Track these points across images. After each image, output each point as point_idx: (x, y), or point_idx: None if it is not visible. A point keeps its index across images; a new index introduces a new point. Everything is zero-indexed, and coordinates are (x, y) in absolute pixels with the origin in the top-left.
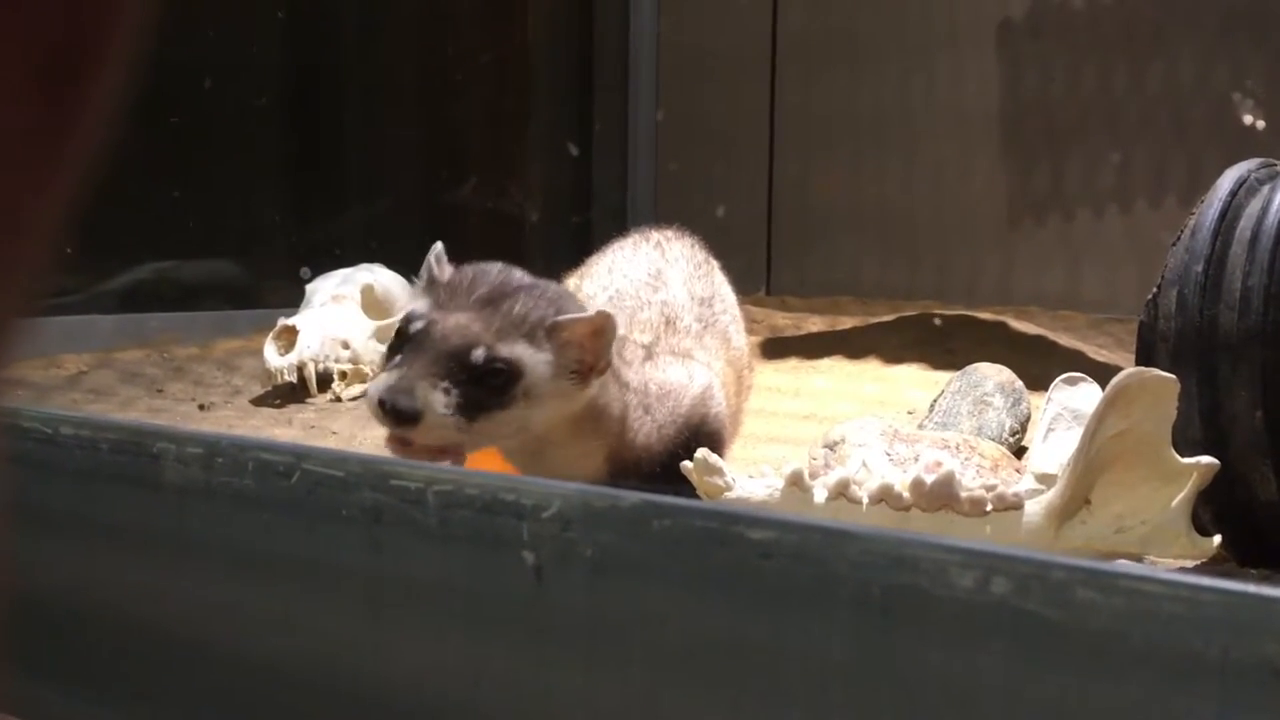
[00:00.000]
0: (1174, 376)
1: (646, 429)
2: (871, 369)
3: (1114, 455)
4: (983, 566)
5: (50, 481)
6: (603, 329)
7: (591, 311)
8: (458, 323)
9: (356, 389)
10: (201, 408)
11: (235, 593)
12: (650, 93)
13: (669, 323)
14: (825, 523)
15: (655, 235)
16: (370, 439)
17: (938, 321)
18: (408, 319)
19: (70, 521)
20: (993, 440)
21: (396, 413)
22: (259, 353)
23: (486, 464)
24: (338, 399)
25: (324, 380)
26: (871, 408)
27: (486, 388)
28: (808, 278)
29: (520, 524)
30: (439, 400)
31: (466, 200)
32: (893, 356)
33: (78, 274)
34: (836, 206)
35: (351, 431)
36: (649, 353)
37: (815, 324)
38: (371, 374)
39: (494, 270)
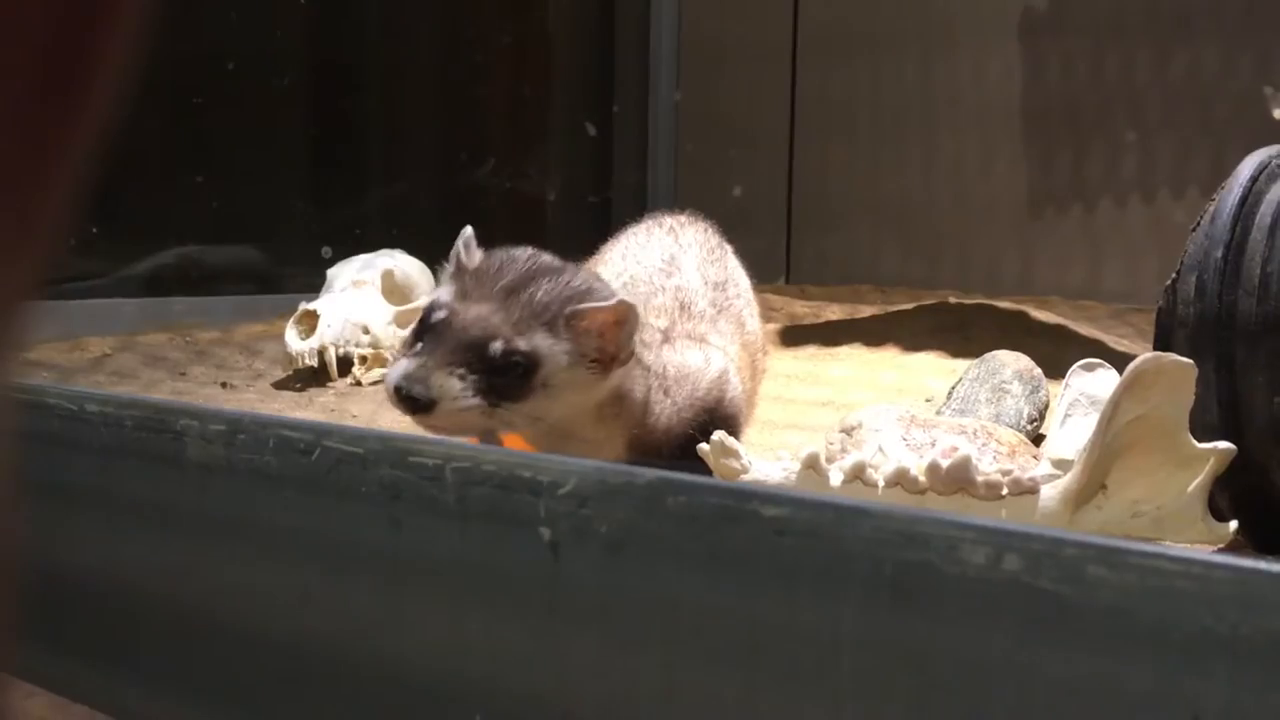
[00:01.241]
0: (1191, 362)
1: (668, 412)
2: (890, 356)
3: (1131, 440)
4: (994, 543)
5: (76, 458)
6: (624, 318)
7: (613, 300)
8: (478, 313)
9: (376, 373)
10: (224, 385)
11: (255, 570)
12: (670, 78)
13: (683, 307)
14: (838, 499)
15: (668, 220)
16: (389, 422)
17: (952, 300)
18: (431, 307)
19: (94, 497)
20: (1011, 428)
21: (411, 400)
22: (280, 337)
23: (508, 443)
24: (358, 383)
25: (344, 364)
26: (889, 395)
27: (505, 378)
28: (827, 267)
29: (536, 501)
30: (454, 388)
31: (486, 183)
32: (911, 344)
33: (102, 258)
34: (857, 195)
35: (371, 415)
36: (666, 336)
37: (834, 313)
38: (391, 359)
39: (520, 257)
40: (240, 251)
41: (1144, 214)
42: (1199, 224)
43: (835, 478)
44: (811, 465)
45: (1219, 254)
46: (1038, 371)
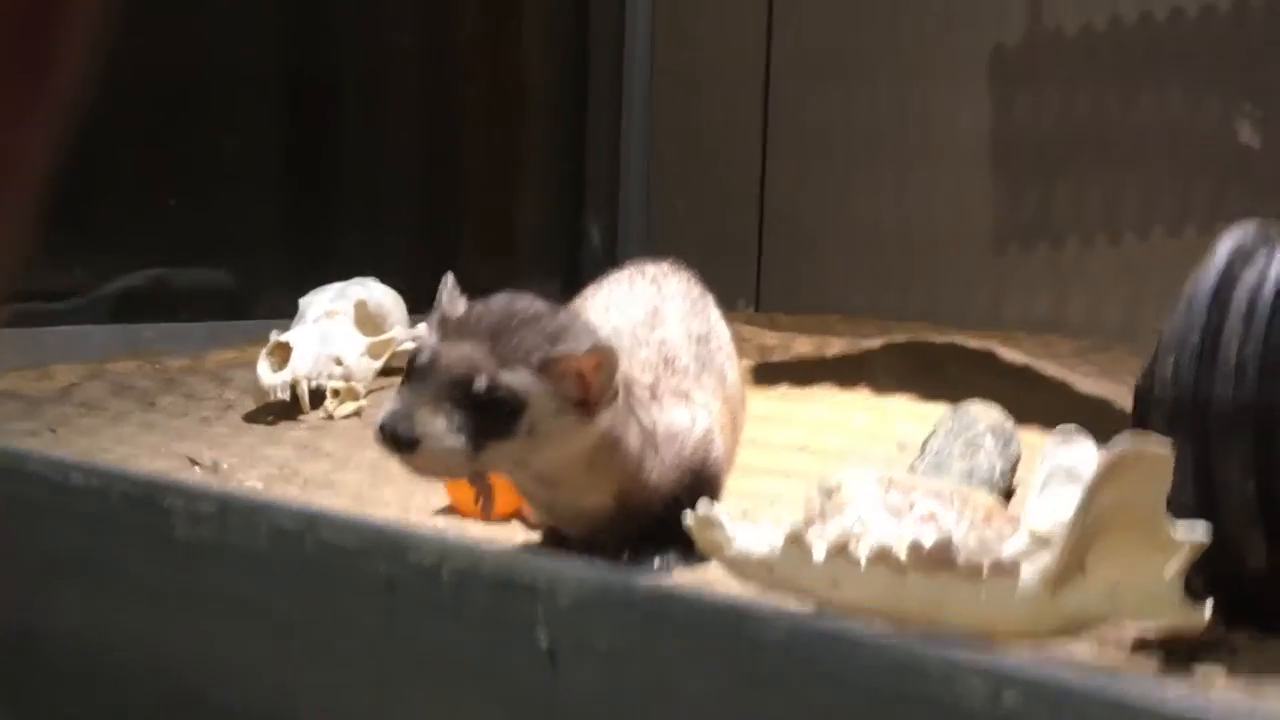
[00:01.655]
0: (1169, 449)
1: (658, 470)
2: (861, 399)
3: (1109, 523)
4: (994, 678)
5: (59, 527)
6: (603, 362)
7: (588, 345)
8: (461, 353)
9: (349, 406)
10: (194, 463)
11: (245, 652)
12: (643, 103)
13: (667, 362)
14: (838, 626)
15: (650, 269)
16: (365, 460)
17: (921, 339)
18: (416, 351)
19: (79, 568)
20: (984, 482)
21: (395, 439)
22: (251, 364)
23: (500, 498)
24: (330, 417)
25: (317, 397)
26: (862, 440)
27: (490, 417)
28: (797, 296)
29: (535, 605)
30: (439, 426)
31: (459, 208)
32: (882, 385)
33: (69, 278)
34: (827, 226)
35: (345, 452)
36: (652, 393)
37: (804, 345)
38: (363, 391)
39: (503, 300)
40: (210, 274)
41: (1109, 252)
42: (1175, 304)
43: (819, 552)
44: (795, 540)
45: (1195, 338)
46: (1010, 424)
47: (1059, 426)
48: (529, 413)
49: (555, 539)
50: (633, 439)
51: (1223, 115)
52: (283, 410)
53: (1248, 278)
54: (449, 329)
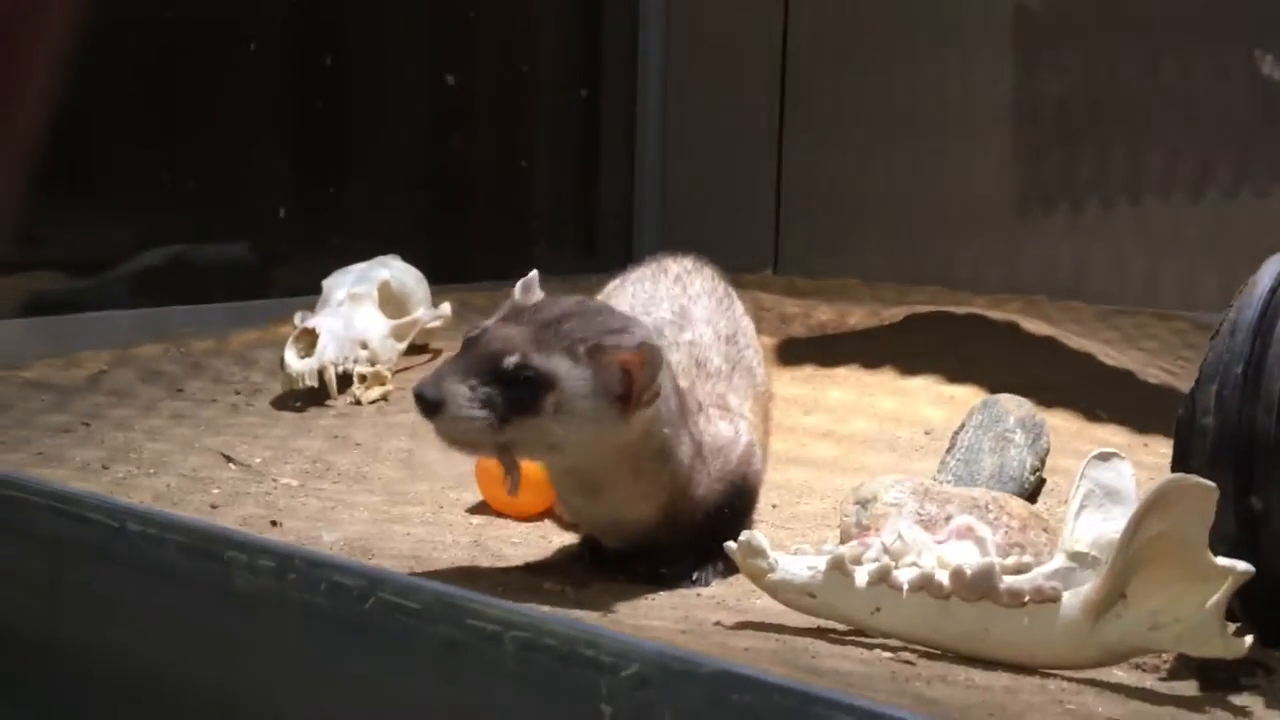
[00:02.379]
0: (1213, 484)
1: (705, 483)
2: (887, 381)
3: (1151, 554)
4: None
5: (115, 572)
6: (649, 360)
7: (637, 342)
8: (504, 333)
9: (376, 391)
10: (229, 460)
11: (302, 706)
12: (659, 68)
13: (699, 365)
14: (912, 716)
15: (674, 268)
16: (396, 451)
17: (944, 309)
18: (470, 328)
19: (135, 614)
20: (1014, 479)
21: (422, 400)
22: (275, 345)
23: (533, 495)
24: (358, 402)
25: (344, 381)
26: (889, 425)
27: (517, 392)
28: (815, 259)
29: (598, 677)
30: (462, 393)
31: (474, 182)
32: (907, 366)
33: (90, 258)
34: (846, 188)
35: (375, 443)
36: (699, 405)
37: (824, 313)
38: (390, 375)
39: (573, 299)
40: (229, 250)
41: (1131, 216)
42: (1218, 331)
43: (861, 579)
44: (837, 566)
45: (1238, 369)
46: (1040, 418)
47: (1098, 450)
48: (556, 393)
49: (593, 547)
50: (685, 451)
51: (1247, 79)
52: (310, 396)
53: None
54: (509, 314)
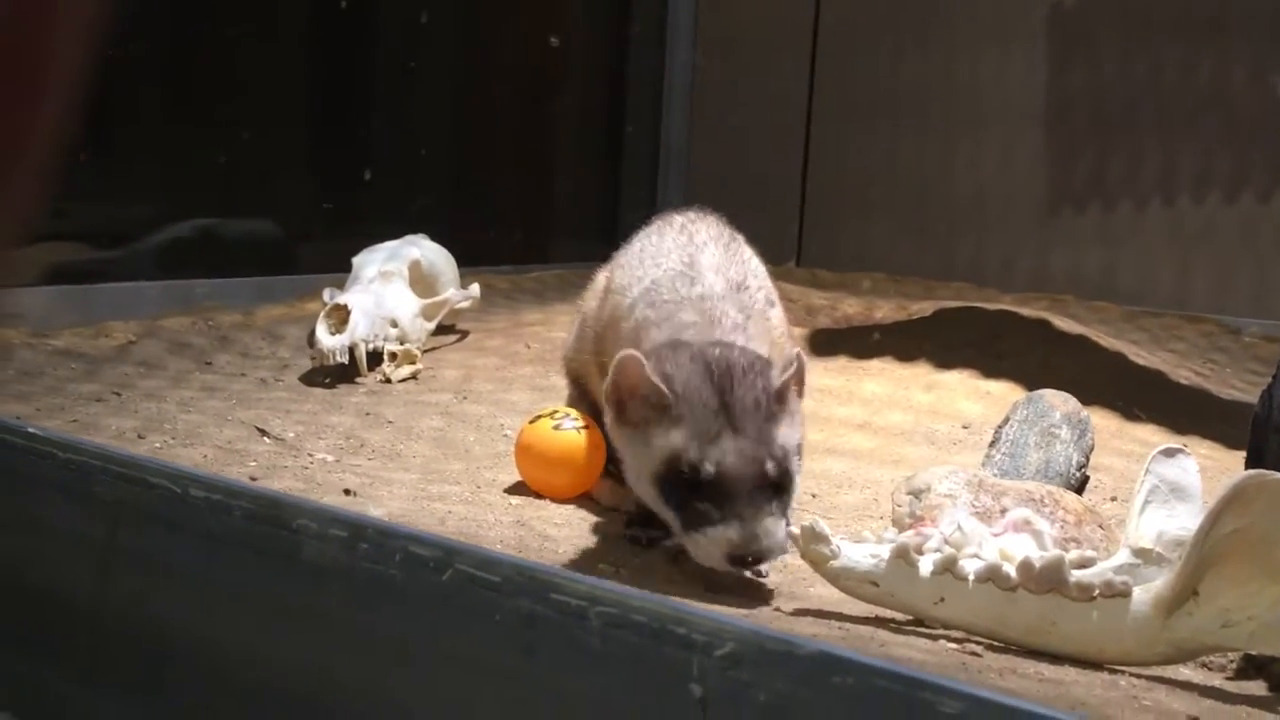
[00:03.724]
0: None
1: None
2: (922, 374)
3: (1226, 551)
4: None
5: (177, 539)
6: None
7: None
8: (753, 454)
9: (406, 370)
10: (263, 434)
11: (372, 673)
12: (686, 64)
13: (713, 323)
14: (1022, 703)
15: (678, 219)
16: (427, 429)
17: (974, 305)
18: (694, 467)
19: (193, 581)
20: (1060, 475)
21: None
22: (301, 320)
23: (572, 477)
24: (387, 380)
25: (373, 359)
26: (925, 419)
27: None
28: (839, 252)
29: (690, 656)
30: (783, 527)
31: (499, 164)
32: (941, 360)
33: (119, 228)
34: (872, 182)
35: (407, 421)
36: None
37: (851, 306)
38: (419, 353)
39: (718, 366)
40: (258, 231)
41: (1163, 217)
42: None
43: (925, 568)
44: (902, 555)
45: None
46: (1085, 414)
47: (1163, 446)
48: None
49: (643, 522)
50: None
51: None
52: (340, 373)
53: None
54: (699, 420)
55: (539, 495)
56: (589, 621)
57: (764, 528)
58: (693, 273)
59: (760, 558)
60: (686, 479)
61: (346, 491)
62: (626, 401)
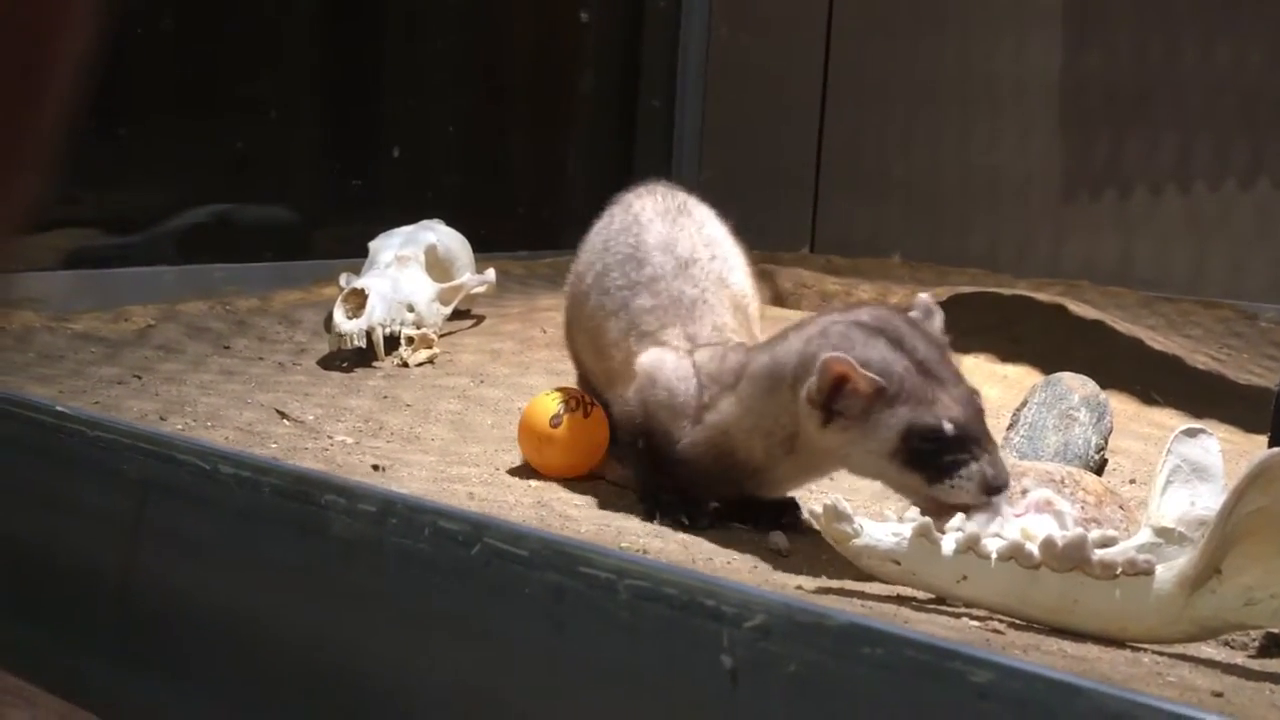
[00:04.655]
0: None
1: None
2: None
3: (1249, 529)
4: None
5: (206, 514)
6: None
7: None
8: (968, 396)
9: (423, 355)
10: (282, 416)
11: (401, 647)
12: (701, 47)
13: (673, 301)
14: (1051, 672)
15: (628, 197)
16: (445, 412)
17: (990, 290)
18: (934, 431)
19: (221, 557)
20: (1079, 457)
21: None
22: (317, 305)
23: (577, 457)
24: (404, 364)
25: (390, 343)
26: None
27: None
28: (853, 237)
29: (719, 627)
30: None
31: (512, 147)
32: (958, 344)
33: (136, 214)
34: (887, 168)
35: (425, 404)
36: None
37: (865, 291)
38: (436, 338)
39: (891, 332)
40: (272, 211)
41: (1179, 202)
42: None
43: (948, 547)
44: (924, 534)
45: None
46: (1103, 397)
47: (1185, 426)
48: None
49: (673, 506)
50: None
51: None
52: (356, 356)
53: None
54: (913, 381)
55: (545, 475)
56: (618, 594)
57: (1001, 455)
58: (640, 255)
59: (1005, 485)
60: (930, 445)
61: (375, 467)
62: (840, 401)
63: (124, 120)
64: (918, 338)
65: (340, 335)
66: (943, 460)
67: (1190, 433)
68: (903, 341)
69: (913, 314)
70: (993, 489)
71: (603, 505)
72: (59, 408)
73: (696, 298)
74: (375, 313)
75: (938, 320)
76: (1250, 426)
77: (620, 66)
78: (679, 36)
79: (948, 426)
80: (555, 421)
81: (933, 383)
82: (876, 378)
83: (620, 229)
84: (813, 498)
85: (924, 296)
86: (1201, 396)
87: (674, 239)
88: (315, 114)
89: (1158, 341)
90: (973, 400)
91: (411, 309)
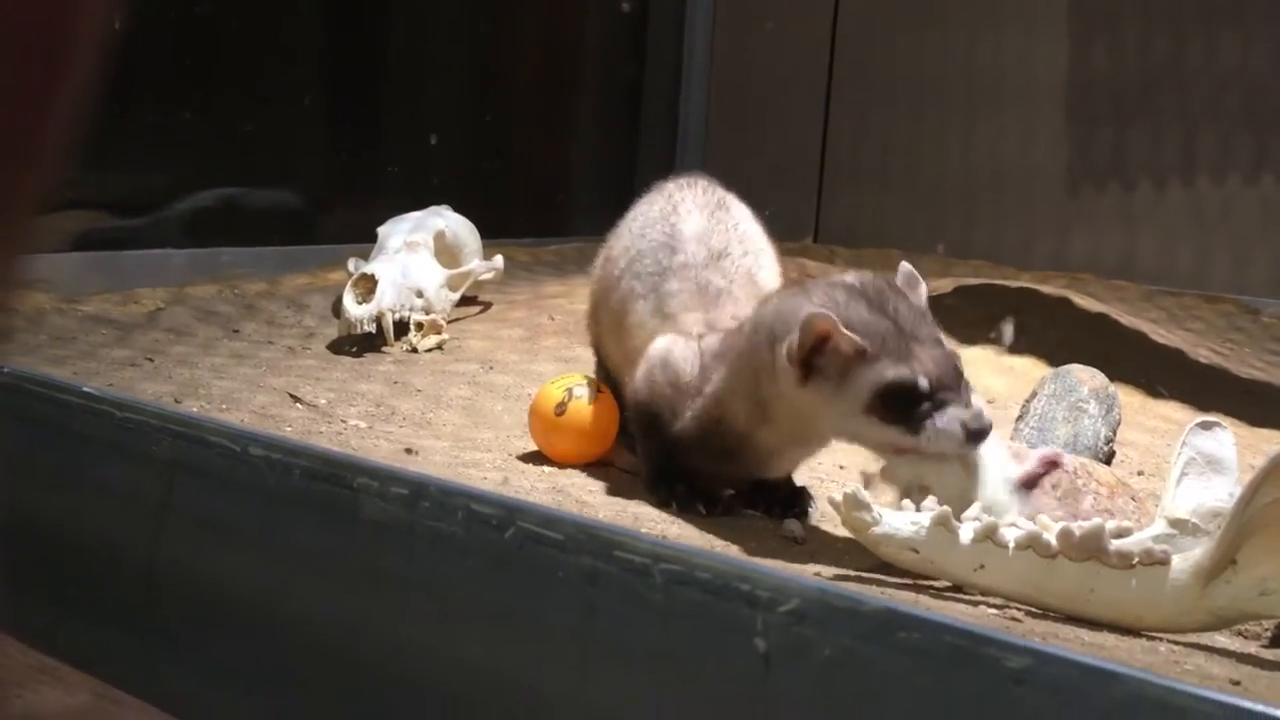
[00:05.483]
0: None
1: None
2: None
3: (1265, 521)
4: None
5: (235, 496)
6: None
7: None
8: (944, 353)
9: (433, 340)
10: (295, 399)
11: (432, 630)
12: (706, 40)
13: (699, 289)
14: (1087, 659)
15: (669, 186)
16: (456, 398)
17: (995, 283)
18: (909, 384)
19: (250, 539)
20: (1088, 448)
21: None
22: (325, 289)
23: (586, 444)
24: (414, 349)
25: (400, 329)
26: None
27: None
28: (857, 228)
29: (753, 612)
30: None
31: (518, 136)
32: (964, 335)
33: (143, 197)
34: (892, 160)
35: (436, 390)
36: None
37: None
38: (445, 324)
39: (874, 292)
40: (281, 195)
41: (1182, 197)
42: None
43: (966, 535)
44: (942, 523)
45: None
46: (1112, 389)
47: (1200, 419)
48: None
49: (690, 497)
50: None
51: None
52: (365, 341)
53: None
54: (897, 339)
55: (556, 462)
56: (652, 578)
57: (980, 406)
58: (674, 242)
59: (986, 432)
60: (904, 398)
61: (408, 450)
62: (820, 358)
63: (133, 103)
64: (900, 301)
65: (350, 320)
66: (919, 410)
67: (1205, 425)
68: (885, 305)
69: (897, 280)
70: (974, 434)
71: (617, 492)
72: (86, 388)
73: (723, 289)
74: (385, 298)
75: (921, 290)
76: (1254, 420)
77: (626, 55)
78: (684, 25)
79: (922, 381)
80: (560, 410)
81: (911, 341)
82: (858, 339)
83: (659, 216)
84: (833, 486)
85: (906, 265)
86: (1205, 390)
87: (709, 231)
88: (324, 98)
89: (1161, 335)
90: (950, 358)
91: (420, 295)
